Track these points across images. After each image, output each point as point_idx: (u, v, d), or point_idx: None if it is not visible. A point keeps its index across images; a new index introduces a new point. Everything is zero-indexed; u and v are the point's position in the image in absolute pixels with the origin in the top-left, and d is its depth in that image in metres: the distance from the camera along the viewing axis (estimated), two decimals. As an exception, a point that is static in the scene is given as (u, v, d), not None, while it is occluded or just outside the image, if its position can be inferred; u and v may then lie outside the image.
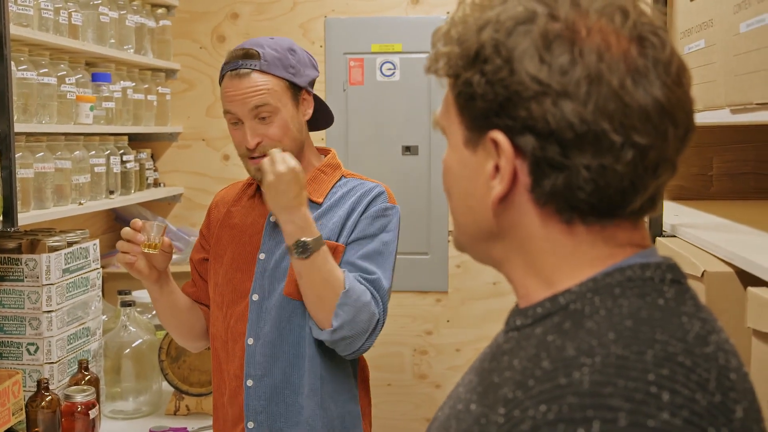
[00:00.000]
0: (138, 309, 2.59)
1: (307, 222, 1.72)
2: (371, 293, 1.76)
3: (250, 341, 1.84)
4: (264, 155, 1.76)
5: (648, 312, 0.72)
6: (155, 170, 3.26)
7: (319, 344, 1.81)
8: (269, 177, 1.68)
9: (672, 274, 0.77)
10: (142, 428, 2.32)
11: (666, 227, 1.78)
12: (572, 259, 0.77)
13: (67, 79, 2.41)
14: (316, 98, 1.91)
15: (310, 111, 1.87)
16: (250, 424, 1.84)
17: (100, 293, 2.55)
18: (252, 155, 1.79)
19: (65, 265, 2.30)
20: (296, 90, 1.82)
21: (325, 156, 1.95)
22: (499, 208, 0.78)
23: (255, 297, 1.85)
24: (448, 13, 3.05)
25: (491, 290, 3.29)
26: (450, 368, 3.32)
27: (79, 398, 2.18)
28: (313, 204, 1.85)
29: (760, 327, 1.18)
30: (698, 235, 1.58)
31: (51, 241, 2.27)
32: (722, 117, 1.39)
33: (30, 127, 2.20)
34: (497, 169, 0.76)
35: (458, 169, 0.82)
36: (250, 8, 3.32)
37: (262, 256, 1.86)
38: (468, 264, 3.28)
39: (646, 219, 1.81)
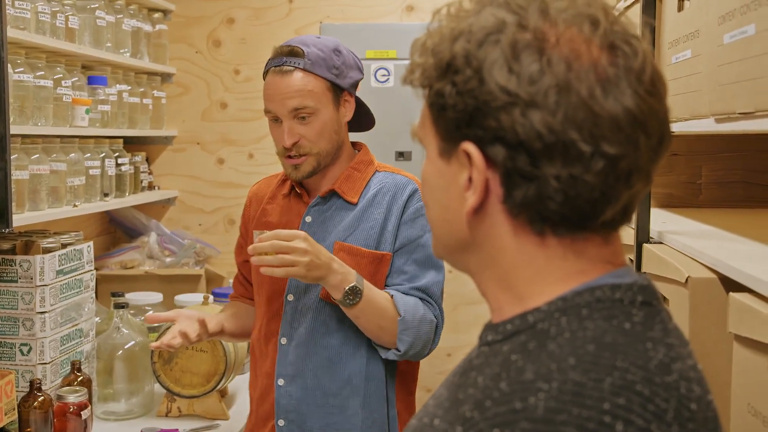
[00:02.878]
0: (131, 311, 2.61)
1: (344, 268, 1.72)
2: (425, 301, 1.79)
3: (284, 341, 1.85)
4: (301, 156, 1.79)
5: (612, 337, 0.71)
6: (150, 173, 3.28)
7: (356, 349, 1.83)
8: (299, 271, 1.66)
9: (643, 296, 0.76)
10: (134, 429, 2.33)
11: (653, 234, 1.80)
12: (544, 274, 0.77)
13: (63, 81, 2.43)
14: (358, 100, 1.90)
15: (351, 113, 1.87)
16: (281, 422, 1.86)
17: (94, 295, 2.56)
18: (289, 154, 1.80)
19: (59, 266, 2.32)
20: (338, 91, 1.81)
21: (359, 151, 1.95)
22: (473, 220, 0.78)
23: (290, 297, 1.86)
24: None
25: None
26: (441, 372, 3.34)
27: (71, 399, 2.19)
28: (348, 204, 1.86)
29: (741, 332, 1.21)
30: (684, 241, 1.60)
31: (45, 243, 2.29)
32: (707, 126, 1.41)
33: (26, 129, 2.22)
34: (470, 180, 0.76)
35: (434, 180, 0.82)
36: (246, 13, 3.35)
37: None
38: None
39: (631, 229, 1.84)
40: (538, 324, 0.74)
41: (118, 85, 2.84)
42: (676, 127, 1.67)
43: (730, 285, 1.38)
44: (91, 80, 2.64)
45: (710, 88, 1.38)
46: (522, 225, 0.76)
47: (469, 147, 0.75)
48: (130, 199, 2.98)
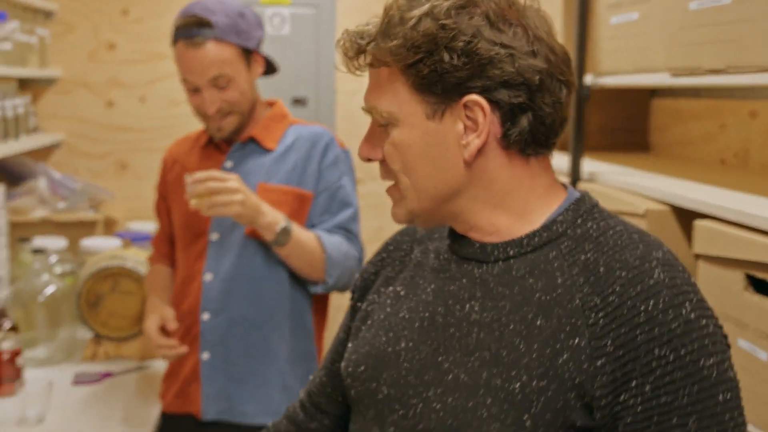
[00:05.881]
0: (50, 256, 2.55)
1: (272, 210, 1.82)
2: (347, 238, 1.91)
3: (208, 277, 1.92)
4: (224, 117, 1.87)
5: (630, 227, 0.97)
6: (35, 116, 3.14)
7: (279, 284, 1.92)
8: (235, 209, 1.74)
9: (596, 201, 1.02)
10: (62, 374, 2.31)
11: (583, 175, 2.05)
12: (532, 190, 0.98)
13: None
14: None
15: (261, 69, 1.96)
16: (205, 355, 1.93)
17: (6, 241, 2.48)
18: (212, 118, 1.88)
19: (-18, 211, 2.23)
20: (248, 53, 1.89)
21: (272, 106, 2.04)
22: (473, 161, 0.95)
23: (214, 237, 1.92)
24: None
25: (376, 236, 3.49)
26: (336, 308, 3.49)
27: (4, 346, 2.14)
28: (266, 151, 1.95)
29: (708, 251, 1.46)
30: (623, 179, 1.85)
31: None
32: (661, 80, 1.65)
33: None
34: (466, 129, 0.94)
35: (423, 141, 0.96)
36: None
37: None
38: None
39: (564, 165, 2.07)
40: (569, 231, 0.96)
41: (12, 21, 2.70)
42: (617, 80, 1.91)
43: (680, 214, 1.64)
44: (-6, 16, 2.50)
45: (668, 47, 1.61)
46: (513, 154, 0.96)
47: (474, 97, 0.93)
48: (20, 143, 2.85)
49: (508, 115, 0.93)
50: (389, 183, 1.03)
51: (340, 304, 3.27)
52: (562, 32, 2.14)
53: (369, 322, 1.10)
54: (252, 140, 1.95)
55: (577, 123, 2.02)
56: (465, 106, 0.93)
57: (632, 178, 1.90)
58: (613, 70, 1.90)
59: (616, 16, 1.87)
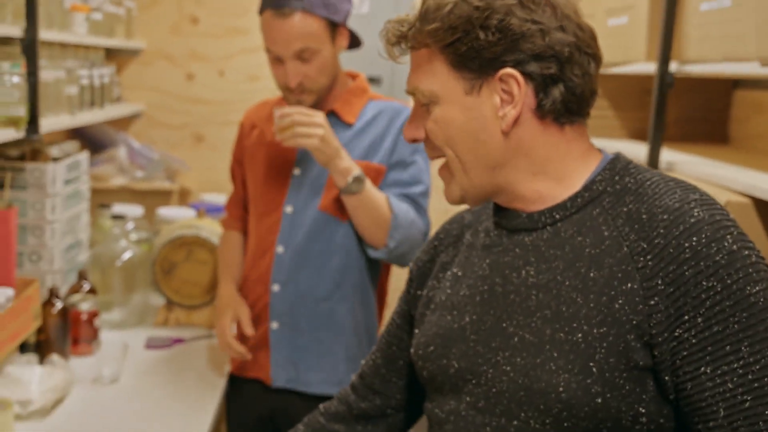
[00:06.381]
0: (128, 223, 2.62)
1: (349, 158, 1.84)
2: (416, 209, 1.91)
3: (280, 249, 1.95)
4: (303, 92, 1.87)
5: (665, 177, 1.03)
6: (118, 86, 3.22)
7: (349, 258, 1.94)
8: (314, 142, 1.77)
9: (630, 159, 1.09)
10: (135, 337, 2.38)
11: (661, 164, 2.01)
12: (569, 155, 1.05)
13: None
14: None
15: (346, 43, 1.95)
16: (275, 325, 1.97)
17: (88, 206, 2.56)
18: (292, 90, 1.89)
19: (67, 176, 2.31)
20: (334, 27, 1.88)
21: (354, 80, 2.05)
22: (510, 131, 1.02)
23: (288, 209, 1.95)
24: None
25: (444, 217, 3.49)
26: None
27: (84, 307, 2.22)
28: (346, 125, 1.96)
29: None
30: (703, 170, 1.81)
31: (55, 151, 2.27)
32: (751, 69, 1.61)
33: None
34: (502, 102, 1.01)
35: (463, 116, 1.04)
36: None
37: (296, 171, 1.96)
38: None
39: (642, 155, 2.04)
40: (608, 188, 1.03)
41: (100, -7, 2.77)
42: (704, 68, 1.87)
43: (761, 206, 1.60)
44: (83, -13, 2.57)
45: (760, 36, 1.56)
46: (548, 123, 1.04)
47: (509, 71, 1.00)
48: (105, 112, 2.94)
49: (541, 86, 1.01)
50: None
51: (398, 286, 3.28)
52: (647, 20, 2.09)
53: (432, 306, 1.17)
54: (332, 113, 1.96)
55: (657, 111, 1.98)
56: (500, 79, 1.01)
57: (712, 168, 1.86)
58: (699, 58, 1.86)
59: (707, 3, 1.82)
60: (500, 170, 1.05)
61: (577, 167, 1.06)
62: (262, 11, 1.87)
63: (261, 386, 2.01)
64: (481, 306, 1.07)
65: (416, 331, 1.18)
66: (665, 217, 0.96)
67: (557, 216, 1.04)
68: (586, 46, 1.03)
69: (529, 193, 1.06)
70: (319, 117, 1.79)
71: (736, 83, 2.64)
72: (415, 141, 1.10)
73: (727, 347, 0.90)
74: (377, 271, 2.02)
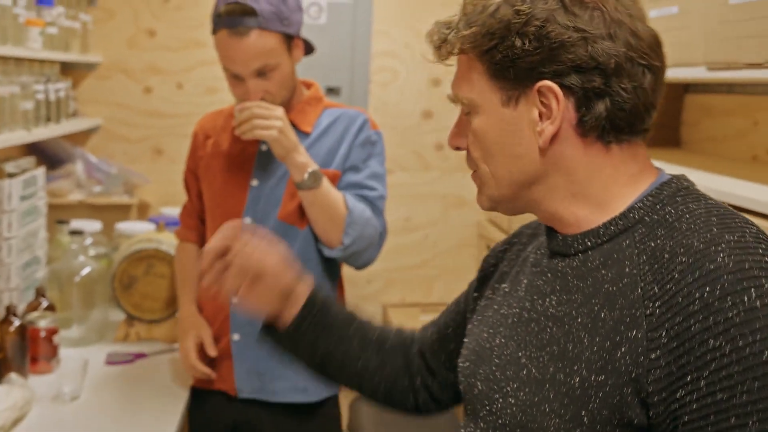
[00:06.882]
0: (86, 238, 2.60)
1: (307, 155, 1.85)
2: (371, 209, 1.93)
3: None
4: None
5: (716, 210, 0.90)
6: (74, 100, 3.19)
7: (308, 265, 1.94)
8: (273, 133, 1.79)
9: (689, 182, 0.97)
10: (96, 354, 2.35)
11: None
12: (614, 179, 0.94)
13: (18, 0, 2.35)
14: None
15: (302, 54, 1.96)
16: (236, 336, 1.96)
17: (45, 222, 2.53)
18: None
19: (23, 191, 2.28)
20: (290, 39, 1.88)
21: (308, 89, 2.06)
22: (548, 148, 0.94)
23: (247, 220, 1.95)
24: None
25: (403, 226, 3.50)
26: (359, 297, 3.51)
27: (42, 324, 2.19)
28: (303, 134, 1.97)
29: None
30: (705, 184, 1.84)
31: (10, 167, 2.24)
32: (698, 74, 1.65)
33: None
34: (541, 116, 0.93)
35: (499, 128, 0.96)
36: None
37: (254, 182, 1.96)
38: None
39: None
40: (646, 217, 0.92)
41: (59, 6, 2.75)
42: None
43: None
44: (39, 0, 2.55)
45: (706, 41, 1.60)
46: (591, 141, 0.94)
47: (547, 83, 0.92)
48: (61, 127, 2.90)
49: (583, 100, 0.92)
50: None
51: (354, 292, 3.29)
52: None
53: (480, 317, 1.12)
54: (289, 123, 1.97)
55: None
56: (539, 92, 0.92)
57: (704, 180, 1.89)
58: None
59: (656, 10, 1.87)
60: (536, 186, 0.97)
61: (622, 192, 0.95)
62: (215, 31, 1.85)
63: (225, 397, 2.01)
64: (509, 329, 1.02)
65: (465, 340, 1.13)
66: (684, 259, 0.84)
67: (589, 243, 0.95)
68: (640, 56, 0.91)
69: (567, 215, 0.97)
70: (279, 111, 1.81)
71: (686, 88, 2.70)
72: (458, 149, 1.03)
73: (732, 419, 0.78)
74: (336, 277, 2.04)
